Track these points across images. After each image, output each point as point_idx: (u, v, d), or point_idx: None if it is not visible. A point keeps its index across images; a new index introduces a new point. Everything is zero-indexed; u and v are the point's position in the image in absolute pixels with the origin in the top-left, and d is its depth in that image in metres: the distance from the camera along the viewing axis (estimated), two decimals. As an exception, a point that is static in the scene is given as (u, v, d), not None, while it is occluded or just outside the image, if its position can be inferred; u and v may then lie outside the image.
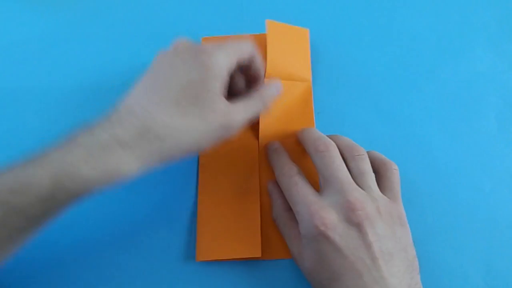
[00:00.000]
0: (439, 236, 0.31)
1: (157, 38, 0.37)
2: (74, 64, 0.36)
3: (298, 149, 0.32)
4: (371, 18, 0.37)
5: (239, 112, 0.26)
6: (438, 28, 0.37)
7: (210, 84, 0.25)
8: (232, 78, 0.29)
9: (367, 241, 0.24)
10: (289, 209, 0.29)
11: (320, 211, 0.25)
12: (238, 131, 0.27)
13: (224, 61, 0.25)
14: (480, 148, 0.34)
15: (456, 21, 0.37)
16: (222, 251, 0.30)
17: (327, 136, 0.30)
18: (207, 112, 0.24)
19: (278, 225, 0.29)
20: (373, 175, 0.28)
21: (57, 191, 0.21)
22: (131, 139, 0.22)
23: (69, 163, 0.21)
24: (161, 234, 0.31)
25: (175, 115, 0.24)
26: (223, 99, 0.25)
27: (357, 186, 0.26)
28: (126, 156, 0.22)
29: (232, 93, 0.30)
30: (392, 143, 0.33)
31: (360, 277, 0.23)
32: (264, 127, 0.32)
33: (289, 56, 0.33)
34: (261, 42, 0.32)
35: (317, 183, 0.28)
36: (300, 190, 0.27)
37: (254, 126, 0.33)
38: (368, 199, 0.25)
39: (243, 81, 0.30)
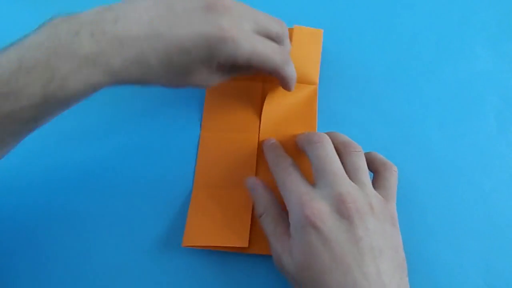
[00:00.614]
0: (439, 236, 0.31)
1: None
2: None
3: (297, 149, 0.32)
4: (371, 18, 0.37)
5: (219, 78, 0.27)
6: (438, 28, 0.37)
7: (208, 62, 0.25)
8: None
9: (357, 235, 0.24)
10: (277, 204, 0.28)
11: (311, 201, 0.25)
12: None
13: (236, 56, 0.25)
14: (480, 148, 0.33)
15: (456, 21, 0.37)
16: (208, 237, 0.29)
17: (324, 133, 0.30)
18: (191, 78, 0.26)
19: (263, 221, 0.29)
20: (367, 172, 0.28)
21: (48, 99, 0.22)
22: (118, 63, 0.23)
23: (60, 76, 0.22)
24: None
25: (162, 68, 0.25)
26: (213, 69, 0.26)
27: (350, 181, 0.26)
28: (107, 74, 0.24)
29: None
30: (392, 142, 0.33)
31: (349, 272, 0.23)
32: (265, 126, 0.32)
33: (302, 58, 0.33)
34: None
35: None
36: (294, 180, 0.27)
37: (256, 122, 0.33)
38: (360, 194, 0.25)
39: None
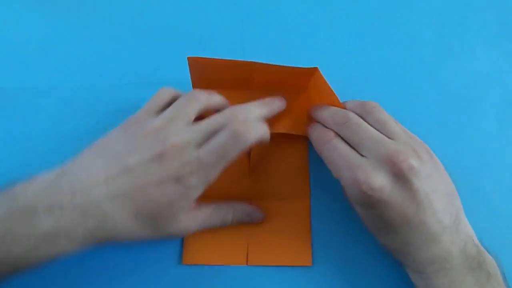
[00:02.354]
0: (439, 236, 0.31)
1: (157, 38, 0.37)
2: (74, 64, 0.36)
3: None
4: (371, 17, 0.37)
5: (195, 224, 0.27)
6: (438, 28, 0.37)
7: (179, 204, 0.25)
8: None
9: (414, 189, 0.24)
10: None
11: (364, 174, 0.24)
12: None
13: (203, 183, 0.25)
14: (480, 148, 0.33)
15: (456, 21, 0.37)
16: (208, 256, 0.30)
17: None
18: (164, 227, 0.25)
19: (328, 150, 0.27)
20: (393, 119, 0.28)
21: (3, 270, 0.22)
22: (80, 234, 0.23)
23: (14, 256, 0.22)
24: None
25: (131, 224, 0.24)
26: (186, 213, 0.26)
27: (387, 138, 0.26)
28: (70, 244, 0.23)
29: None
30: (392, 143, 0.33)
31: (407, 222, 0.25)
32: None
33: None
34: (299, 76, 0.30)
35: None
36: (342, 153, 0.26)
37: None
38: (403, 147, 0.25)
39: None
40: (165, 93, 0.29)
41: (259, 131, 0.26)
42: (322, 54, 0.36)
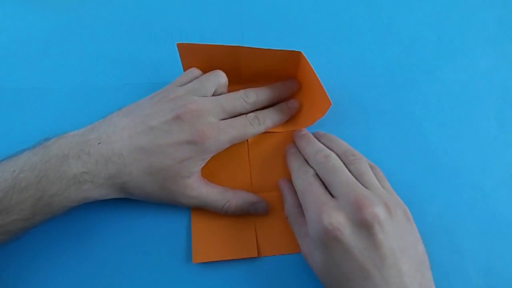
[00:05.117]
0: (439, 236, 0.31)
1: (157, 38, 0.37)
2: (74, 64, 0.36)
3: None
4: (371, 17, 0.37)
5: (200, 196, 0.29)
6: (438, 28, 0.37)
7: (189, 165, 0.28)
8: None
9: (377, 241, 0.23)
10: (299, 205, 0.29)
11: (329, 211, 0.25)
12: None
13: (219, 145, 0.28)
14: (480, 148, 0.33)
15: (456, 21, 0.37)
16: (218, 252, 0.30)
17: (324, 134, 0.31)
18: (171, 187, 0.28)
19: (290, 222, 0.30)
20: (372, 174, 0.28)
21: (36, 214, 0.25)
22: (102, 178, 0.26)
23: (48, 195, 0.25)
24: (160, 236, 0.31)
25: (144, 177, 0.27)
26: (194, 180, 0.29)
27: (362, 186, 0.26)
28: (95, 189, 0.27)
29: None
30: (392, 143, 0.33)
31: (369, 278, 0.23)
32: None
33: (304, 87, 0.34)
34: (289, 59, 0.31)
35: None
36: (314, 190, 0.27)
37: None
38: (374, 197, 0.25)
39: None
40: (193, 72, 0.32)
41: (270, 123, 0.31)
42: (322, 53, 0.36)
